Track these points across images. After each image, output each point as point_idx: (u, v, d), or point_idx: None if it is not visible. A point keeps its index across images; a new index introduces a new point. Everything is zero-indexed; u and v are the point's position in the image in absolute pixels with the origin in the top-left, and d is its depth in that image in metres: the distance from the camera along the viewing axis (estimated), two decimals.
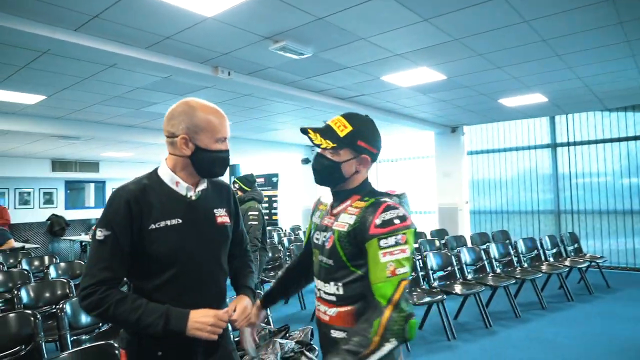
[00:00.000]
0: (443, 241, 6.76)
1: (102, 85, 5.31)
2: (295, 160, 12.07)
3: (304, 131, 1.47)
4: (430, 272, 4.71)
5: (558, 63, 4.79)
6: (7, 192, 12.22)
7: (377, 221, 1.32)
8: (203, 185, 1.49)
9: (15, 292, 3.57)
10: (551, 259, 6.10)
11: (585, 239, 7.85)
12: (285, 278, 1.79)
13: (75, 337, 2.90)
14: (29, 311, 2.72)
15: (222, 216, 1.51)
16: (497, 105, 6.96)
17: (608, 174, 7.86)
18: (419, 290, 4.46)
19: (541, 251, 6.08)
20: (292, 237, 7.65)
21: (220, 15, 3.42)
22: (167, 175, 1.43)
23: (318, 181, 1.50)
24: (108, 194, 14.27)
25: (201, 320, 1.32)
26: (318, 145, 1.43)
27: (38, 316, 2.66)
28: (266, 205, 13.30)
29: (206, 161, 1.42)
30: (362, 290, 1.35)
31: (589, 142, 8.05)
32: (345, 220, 1.41)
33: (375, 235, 1.30)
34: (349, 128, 1.41)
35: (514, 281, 4.99)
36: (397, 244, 1.28)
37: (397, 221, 1.30)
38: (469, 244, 6.93)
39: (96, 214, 13.24)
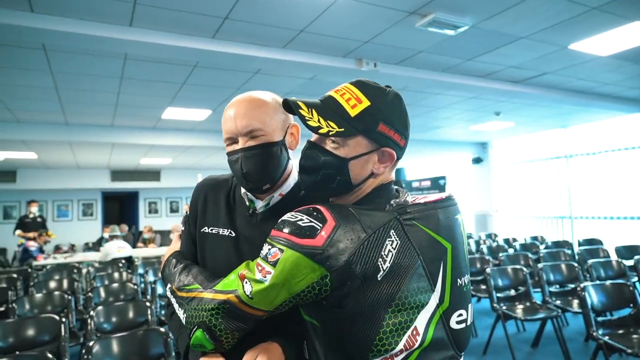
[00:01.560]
0: None
1: None
2: (465, 159, 10.92)
3: (290, 105, 0.94)
4: None
5: None
6: None
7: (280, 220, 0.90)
8: (269, 198, 1.13)
9: None
10: None
11: None
12: None
13: None
14: (161, 328, 2.63)
15: None
16: None
17: None
18: None
19: None
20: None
21: None
22: None
23: (309, 188, 0.99)
24: None
25: None
26: (315, 129, 0.90)
27: (170, 335, 2.52)
28: None
29: (230, 168, 1.13)
30: (326, 353, 0.89)
31: None
32: None
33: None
34: (365, 103, 0.90)
35: None
36: (265, 259, 0.86)
37: (289, 229, 0.85)
38: None
39: None
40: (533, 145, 9.66)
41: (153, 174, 11.87)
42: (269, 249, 0.86)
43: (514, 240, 7.94)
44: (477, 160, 10.55)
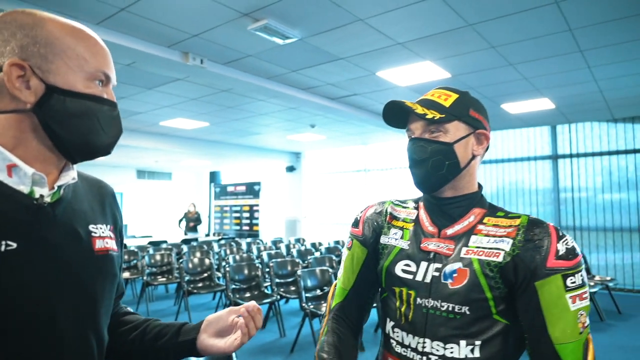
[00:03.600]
0: None
1: None
2: (280, 168, 11.41)
3: (395, 102, 1.02)
4: None
5: (579, 60, 4.23)
6: None
7: (559, 250, 0.92)
8: (70, 179, 0.79)
9: None
10: None
11: (589, 258, 7.30)
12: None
13: None
14: None
15: (104, 237, 0.84)
16: (500, 111, 6.41)
17: (613, 189, 7.35)
18: None
19: None
20: (273, 252, 6.94)
21: None
22: None
23: (420, 180, 1.03)
24: None
25: None
26: (422, 116, 0.98)
27: None
28: (247, 215, 12.59)
29: (73, 115, 0.73)
30: (501, 349, 0.94)
31: (592, 154, 7.54)
32: (492, 245, 0.96)
33: (557, 270, 0.90)
34: (454, 96, 1.03)
35: None
36: (583, 284, 0.91)
37: (577, 252, 0.93)
38: None
39: None
40: (340, 158, 10.72)
41: None
42: (582, 274, 0.91)
43: (320, 244, 8.61)
44: (291, 169, 11.14)
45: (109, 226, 0.87)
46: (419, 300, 0.99)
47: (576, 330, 0.88)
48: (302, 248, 7.69)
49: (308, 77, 4.82)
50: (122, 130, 0.83)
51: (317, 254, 6.89)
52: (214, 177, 14.48)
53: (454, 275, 0.96)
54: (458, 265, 0.96)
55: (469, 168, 1.02)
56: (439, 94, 1.04)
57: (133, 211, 13.68)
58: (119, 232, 0.92)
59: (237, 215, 12.82)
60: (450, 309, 0.95)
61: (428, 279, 0.99)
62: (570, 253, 0.91)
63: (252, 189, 12.55)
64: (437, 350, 0.95)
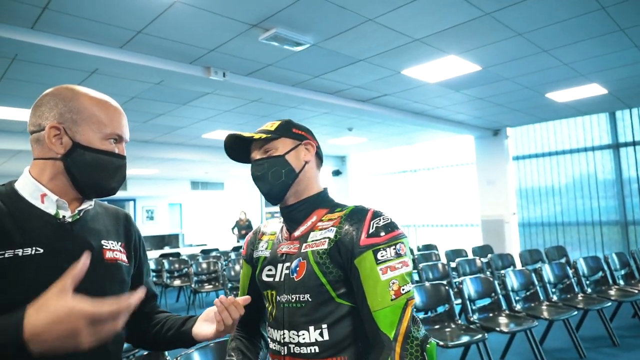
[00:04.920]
0: (486, 260, 5.81)
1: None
2: (326, 172, 11.43)
3: (230, 137, 1.22)
4: (468, 302, 3.85)
5: (621, 40, 3.86)
6: None
7: (370, 228, 1.08)
8: (87, 205, 1.05)
9: None
10: (621, 282, 5.04)
11: None
12: None
13: None
14: None
15: (114, 250, 1.08)
16: (545, 101, 6.01)
17: None
18: (453, 327, 3.62)
19: (608, 272, 5.03)
20: None
21: None
22: (27, 187, 0.99)
23: (266, 191, 1.20)
24: (139, 211, 14.16)
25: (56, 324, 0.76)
26: (248, 139, 1.21)
27: None
28: None
29: (89, 165, 0.99)
30: (354, 329, 1.08)
31: None
32: (321, 236, 1.13)
33: (368, 246, 1.06)
34: (279, 122, 1.25)
35: (575, 312, 4.02)
36: (398, 255, 1.06)
37: (392, 228, 1.09)
38: (518, 264, 5.94)
39: None
40: (386, 159, 10.55)
41: None
42: (396, 246, 1.06)
43: None
44: (337, 173, 11.12)
45: (120, 243, 1.11)
46: (278, 298, 1.14)
47: (387, 297, 1.01)
48: None
49: (333, 81, 4.79)
50: (126, 176, 1.08)
51: None
52: None
53: (297, 269, 1.11)
54: (299, 259, 1.12)
55: (304, 173, 1.19)
56: (269, 124, 1.24)
57: (189, 221, 14.25)
58: (133, 248, 1.16)
59: None
60: (297, 299, 1.10)
61: (283, 278, 1.14)
62: (381, 230, 1.06)
63: None
64: (293, 338, 1.09)
